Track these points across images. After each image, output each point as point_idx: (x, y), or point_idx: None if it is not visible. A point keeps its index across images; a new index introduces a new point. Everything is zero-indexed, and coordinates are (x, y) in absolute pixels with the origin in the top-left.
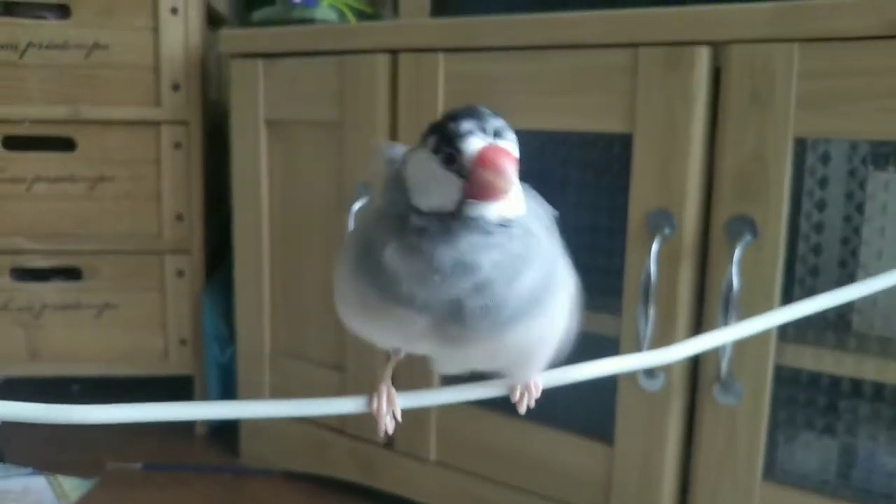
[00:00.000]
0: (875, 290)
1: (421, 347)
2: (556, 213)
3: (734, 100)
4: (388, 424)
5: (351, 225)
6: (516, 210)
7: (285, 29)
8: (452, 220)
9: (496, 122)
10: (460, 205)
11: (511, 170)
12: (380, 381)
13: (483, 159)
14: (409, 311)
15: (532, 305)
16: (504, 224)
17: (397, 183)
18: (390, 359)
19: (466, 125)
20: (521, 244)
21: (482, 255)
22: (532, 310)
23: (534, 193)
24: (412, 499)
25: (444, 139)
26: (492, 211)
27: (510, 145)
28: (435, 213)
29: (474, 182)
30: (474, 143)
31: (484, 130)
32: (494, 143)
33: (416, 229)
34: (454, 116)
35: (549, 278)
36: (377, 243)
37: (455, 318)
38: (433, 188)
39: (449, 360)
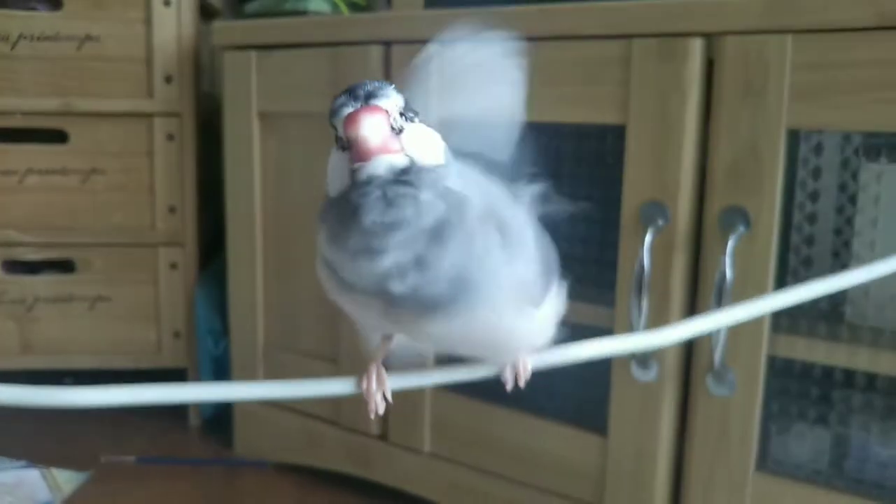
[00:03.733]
0: (871, 277)
1: (389, 329)
2: (542, 189)
3: (727, 91)
4: (378, 405)
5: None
6: (408, 158)
7: (278, 21)
8: (352, 194)
9: (370, 87)
10: (351, 176)
11: (375, 121)
12: (370, 362)
13: (347, 122)
14: (361, 296)
15: (466, 287)
16: (406, 181)
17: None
18: (383, 342)
19: (338, 101)
20: (433, 214)
21: (384, 237)
22: (468, 293)
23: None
24: (406, 490)
25: (330, 125)
26: (376, 167)
27: (384, 101)
28: (342, 196)
29: (351, 147)
30: (344, 113)
31: (356, 98)
32: (363, 105)
33: (334, 216)
34: (333, 98)
35: (490, 250)
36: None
37: (390, 299)
38: (335, 173)
39: (427, 344)
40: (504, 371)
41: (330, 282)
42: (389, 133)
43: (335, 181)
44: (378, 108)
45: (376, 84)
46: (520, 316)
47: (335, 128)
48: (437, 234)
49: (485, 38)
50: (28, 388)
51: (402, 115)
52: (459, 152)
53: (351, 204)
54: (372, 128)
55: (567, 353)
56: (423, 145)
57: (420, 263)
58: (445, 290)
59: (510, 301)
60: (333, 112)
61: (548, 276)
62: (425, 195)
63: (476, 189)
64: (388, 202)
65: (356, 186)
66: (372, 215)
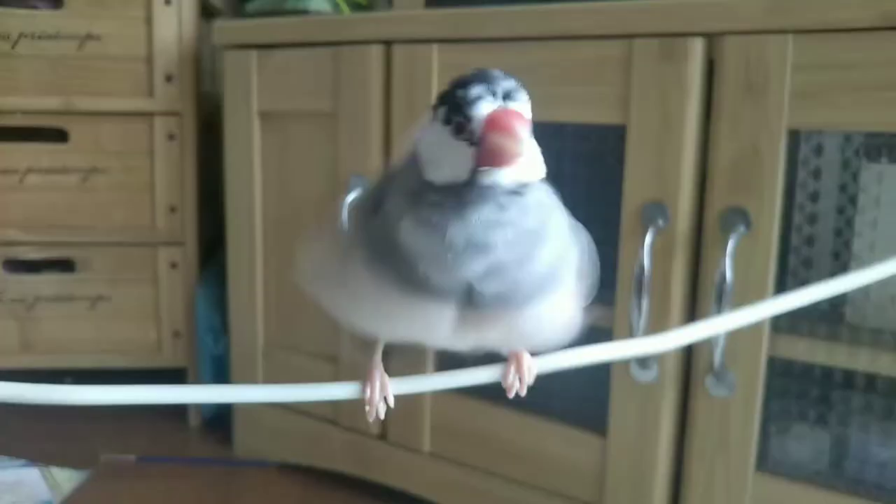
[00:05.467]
0: (871, 279)
1: (431, 337)
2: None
3: (728, 91)
4: (380, 410)
5: (344, 217)
6: (531, 175)
7: (279, 20)
8: (466, 191)
9: (507, 84)
10: (473, 174)
11: (523, 132)
12: (372, 367)
13: (492, 123)
14: (429, 301)
15: (546, 286)
16: (519, 192)
17: (412, 162)
18: (377, 343)
19: (475, 90)
20: (535, 219)
21: (494, 232)
22: (545, 290)
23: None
24: (406, 490)
25: (453, 108)
26: (505, 176)
27: (522, 106)
28: (449, 187)
29: (485, 148)
30: (483, 108)
31: (494, 94)
32: (504, 106)
33: (430, 204)
34: (463, 83)
35: (564, 256)
36: (391, 224)
37: (469, 301)
38: (445, 160)
39: (452, 341)
40: (507, 377)
41: (376, 274)
42: (528, 144)
43: (440, 165)
44: (523, 116)
45: (511, 82)
46: (573, 297)
47: (463, 114)
48: (536, 239)
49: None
50: (29, 386)
51: None
52: None
53: (464, 198)
54: (518, 138)
55: (567, 359)
56: (534, 156)
57: (520, 264)
58: (531, 291)
59: (570, 300)
60: (467, 101)
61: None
62: (531, 199)
63: (549, 194)
64: (501, 206)
65: (476, 188)
66: (488, 212)
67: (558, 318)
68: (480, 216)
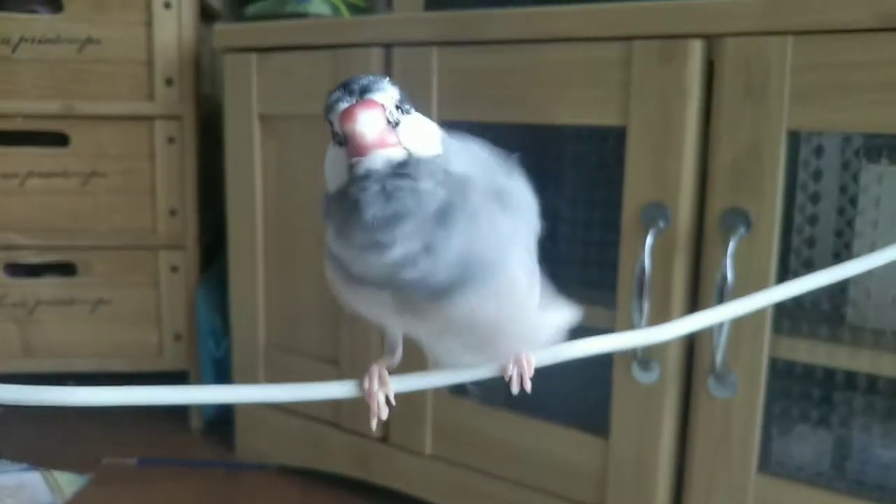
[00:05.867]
0: (872, 265)
1: (397, 323)
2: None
3: (728, 93)
4: (381, 407)
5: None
6: (406, 151)
7: (279, 23)
8: (352, 189)
9: (364, 81)
10: (350, 171)
11: (371, 115)
12: (372, 366)
13: (343, 118)
14: (371, 288)
15: (476, 264)
16: (408, 175)
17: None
18: (388, 350)
19: (334, 96)
20: (434, 199)
21: (388, 229)
22: (478, 270)
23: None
24: (408, 493)
25: (326, 121)
26: (373, 161)
27: (377, 95)
28: (342, 192)
29: (348, 142)
30: (340, 108)
31: (351, 93)
32: (358, 100)
33: (337, 213)
34: (328, 93)
35: (495, 236)
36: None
37: (398, 289)
38: (334, 170)
39: (430, 340)
40: (507, 371)
41: (338, 277)
42: (386, 127)
43: (333, 177)
44: (374, 103)
45: (371, 78)
46: (529, 296)
47: (331, 123)
48: (442, 218)
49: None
50: (32, 388)
51: (398, 107)
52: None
53: (351, 199)
54: (368, 122)
55: (568, 350)
56: (420, 137)
57: (429, 249)
58: (457, 269)
59: (519, 260)
60: (329, 107)
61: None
62: (425, 184)
63: (477, 165)
64: (388, 195)
65: (355, 181)
66: (373, 210)
67: (511, 309)
68: (370, 214)
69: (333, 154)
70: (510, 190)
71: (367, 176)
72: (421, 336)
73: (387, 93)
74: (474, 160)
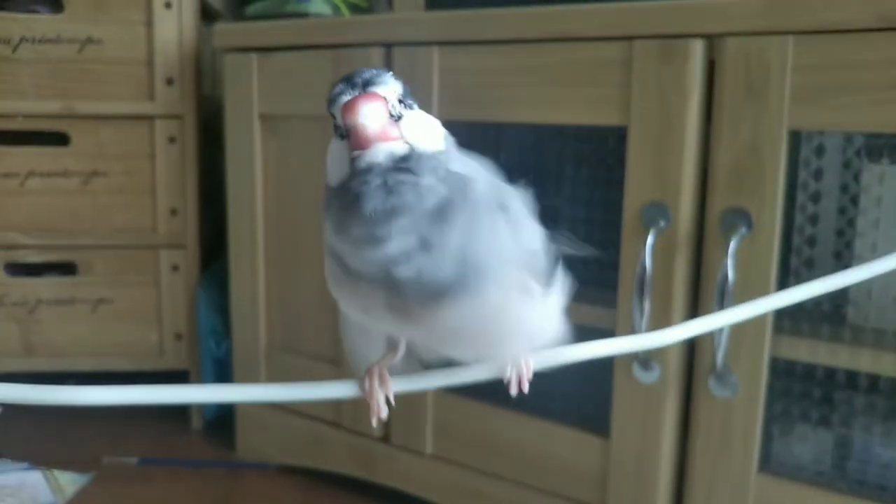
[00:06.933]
0: (872, 275)
1: (389, 326)
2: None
3: (729, 92)
4: (381, 407)
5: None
6: (408, 145)
7: (279, 23)
8: (353, 183)
9: (367, 74)
10: (352, 164)
11: (374, 108)
12: (372, 366)
13: (345, 109)
14: (366, 285)
15: (471, 269)
16: (407, 168)
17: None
18: (389, 350)
19: (336, 89)
20: (434, 195)
21: (386, 223)
22: (473, 275)
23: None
24: (409, 492)
25: (330, 114)
26: (375, 154)
27: (382, 88)
28: (343, 185)
29: (349, 135)
30: (342, 101)
31: (353, 86)
32: (361, 93)
33: (337, 207)
34: (331, 86)
35: (495, 227)
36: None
37: (394, 289)
38: (336, 163)
39: (425, 344)
40: (506, 373)
41: (336, 273)
42: (388, 120)
43: (335, 170)
44: (376, 95)
45: (374, 71)
46: (528, 299)
47: (333, 116)
48: (440, 216)
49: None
50: (33, 387)
51: (400, 101)
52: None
53: (352, 192)
54: (370, 115)
55: (568, 354)
56: (422, 132)
57: (425, 246)
58: (453, 271)
59: (518, 278)
60: (331, 100)
61: (551, 259)
62: (426, 180)
63: (477, 171)
64: (389, 189)
65: (356, 175)
66: (373, 203)
67: (517, 317)
68: (370, 206)
69: (335, 147)
70: (514, 207)
71: (369, 169)
72: (413, 340)
73: (389, 86)
74: (476, 169)
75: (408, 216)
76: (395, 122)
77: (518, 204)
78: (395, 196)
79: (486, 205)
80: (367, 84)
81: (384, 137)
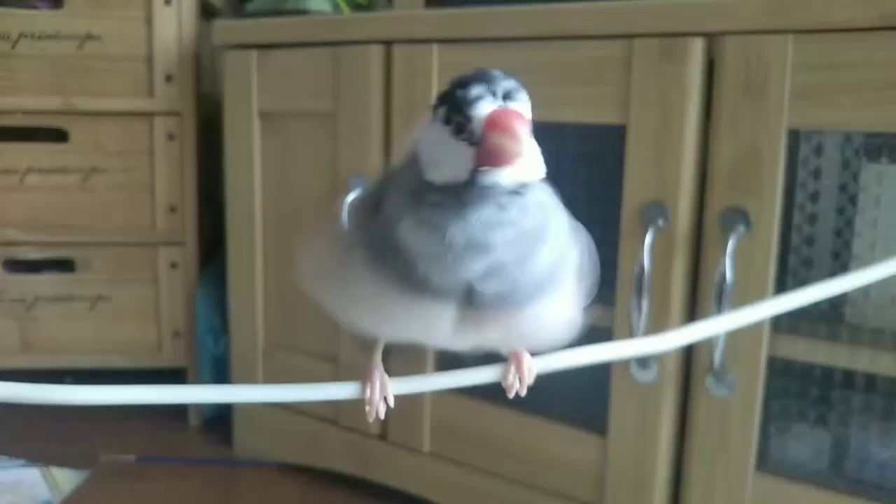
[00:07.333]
0: (872, 279)
1: (431, 337)
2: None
3: (728, 91)
4: (380, 410)
5: (344, 217)
6: (531, 175)
7: (279, 20)
8: (466, 191)
9: (507, 84)
10: (473, 174)
11: (523, 132)
12: (372, 366)
13: (492, 123)
14: (429, 301)
15: (546, 286)
16: (519, 192)
17: (412, 162)
18: (378, 343)
19: (475, 90)
20: (535, 219)
21: (494, 232)
22: (545, 291)
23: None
24: (406, 490)
25: (453, 108)
26: (505, 177)
27: (522, 106)
28: (449, 187)
29: (485, 148)
30: (483, 108)
31: (494, 94)
32: (504, 106)
33: (431, 204)
34: (463, 83)
35: (564, 257)
36: (392, 224)
37: (469, 301)
38: (445, 160)
39: (452, 340)
40: (507, 378)
41: (378, 275)
42: (529, 143)
43: (441, 165)
44: (524, 117)
45: (512, 82)
46: (569, 306)
47: (463, 114)
48: (536, 239)
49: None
50: (29, 386)
51: None
52: None
53: (463, 198)
54: (519, 137)
55: (568, 359)
56: (535, 156)
57: (520, 264)
58: (531, 292)
59: (571, 291)
60: (467, 101)
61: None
62: (531, 200)
63: (549, 194)
64: (501, 206)
65: (476, 188)
66: (488, 213)
67: (558, 318)
68: (480, 216)
69: (445, 140)
70: (575, 227)
71: (493, 187)
72: (437, 340)
73: (527, 104)
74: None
75: (513, 231)
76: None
77: (584, 235)
78: (504, 212)
79: (569, 236)
80: (507, 96)
81: (520, 162)
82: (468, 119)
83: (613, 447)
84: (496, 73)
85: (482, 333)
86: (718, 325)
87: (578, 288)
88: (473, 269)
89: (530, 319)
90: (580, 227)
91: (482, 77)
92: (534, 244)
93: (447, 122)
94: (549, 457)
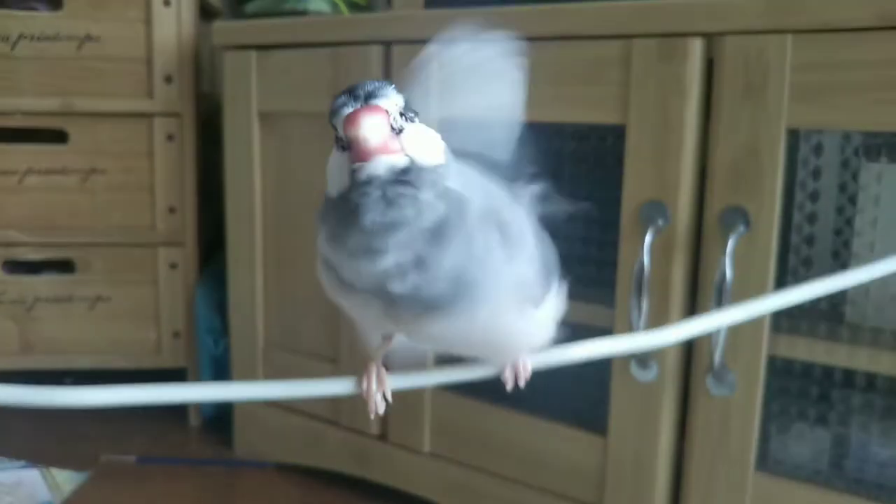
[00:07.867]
0: (871, 277)
1: (392, 329)
2: (539, 190)
3: (727, 91)
4: (378, 405)
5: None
6: (408, 158)
7: (278, 21)
8: (353, 195)
9: (371, 87)
10: (351, 176)
11: (375, 121)
12: (369, 363)
13: (347, 122)
14: (361, 295)
15: (466, 288)
16: (410, 183)
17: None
18: (383, 341)
19: (339, 101)
20: (433, 213)
21: (384, 235)
22: (467, 294)
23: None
24: (406, 490)
25: (330, 124)
26: (374, 167)
27: (384, 101)
28: (342, 196)
29: (350, 147)
30: (344, 113)
31: (356, 98)
32: (363, 105)
33: (334, 217)
34: (334, 98)
35: (490, 249)
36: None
37: (390, 299)
38: (334, 172)
39: (428, 343)
40: (504, 371)
41: (330, 281)
42: (389, 133)
43: (335, 181)
44: (378, 108)
45: (376, 84)
46: (520, 316)
47: (335, 128)
48: (437, 233)
49: (484, 38)
50: (28, 388)
51: (402, 115)
52: (459, 152)
53: (350, 204)
54: (372, 128)
55: (566, 354)
56: (423, 145)
57: (420, 263)
58: (446, 289)
59: (510, 301)
60: (333, 112)
61: (548, 276)
62: (425, 195)
63: (476, 189)
64: (388, 202)
65: (356, 186)
66: (371, 215)
67: (522, 324)
68: (368, 219)
69: (336, 158)
70: (510, 220)
71: (369, 182)
72: (414, 340)
73: (391, 99)
74: (475, 183)
75: (406, 231)
76: (397, 134)
77: (517, 218)
78: (394, 209)
79: (482, 225)
80: (369, 97)
81: (385, 150)
82: (335, 128)
83: (613, 447)
84: (366, 81)
85: (430, 332)
86: (717, 319)
87: (537, 291)
88: (374, 272)
89: (474, 326)
90: (532, 214)
91: (348, 87)
92: (437, 240)
93: (336, 142)
94: (549, 456)
